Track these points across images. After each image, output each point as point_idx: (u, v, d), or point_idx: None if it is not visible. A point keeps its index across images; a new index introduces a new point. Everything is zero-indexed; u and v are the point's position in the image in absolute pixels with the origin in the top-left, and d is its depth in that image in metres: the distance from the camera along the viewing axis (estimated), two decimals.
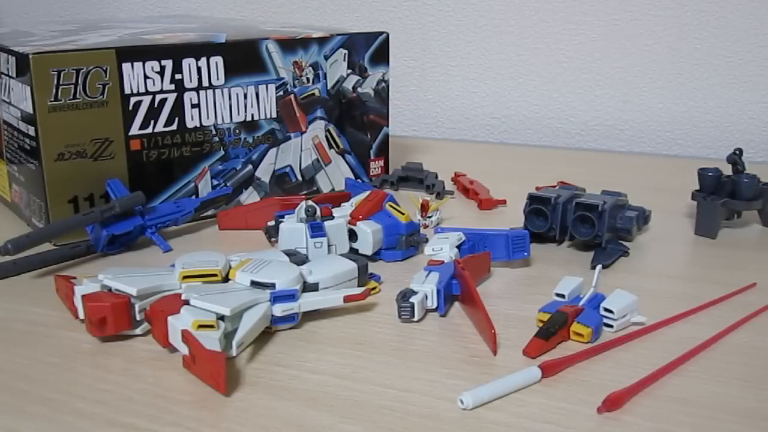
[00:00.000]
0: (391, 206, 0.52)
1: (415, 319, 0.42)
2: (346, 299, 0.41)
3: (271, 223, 0.53)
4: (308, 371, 0.37)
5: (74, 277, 0.43)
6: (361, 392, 0.35)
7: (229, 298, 0.38)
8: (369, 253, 0.50)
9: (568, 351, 0.38)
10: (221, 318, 0.38)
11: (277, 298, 0.39)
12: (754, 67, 0.85)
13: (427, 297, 0.43)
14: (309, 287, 0.42)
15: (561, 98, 0.94)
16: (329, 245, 0.49)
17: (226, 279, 0.42)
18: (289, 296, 0.40)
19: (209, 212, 0.59)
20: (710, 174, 0.57)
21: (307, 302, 0.41)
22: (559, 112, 0.94)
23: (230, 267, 0.43)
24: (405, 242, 0.51)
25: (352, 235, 0.50)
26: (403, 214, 0.51)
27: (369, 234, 0.49)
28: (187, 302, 0.38)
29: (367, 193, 0.54)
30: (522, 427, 0.32)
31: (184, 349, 0.36)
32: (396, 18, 0.99)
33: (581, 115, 0.93)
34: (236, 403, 0.34)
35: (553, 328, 0.39)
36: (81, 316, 0.40)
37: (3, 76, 0.55)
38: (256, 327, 0.38)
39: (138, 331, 0.40)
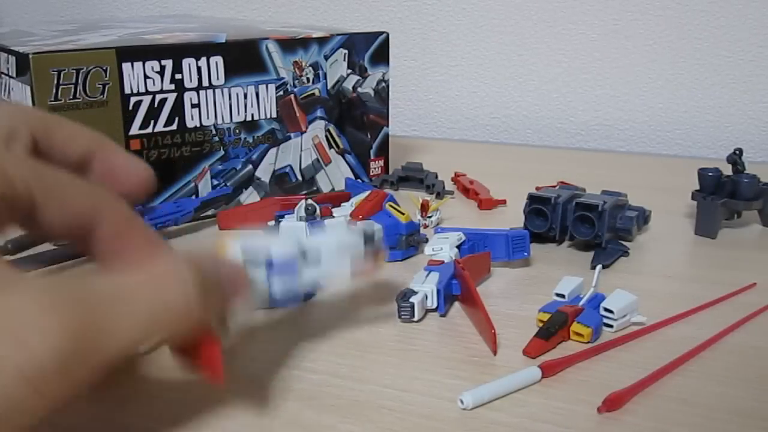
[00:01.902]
0: (391, 206, 0.52)
1: (415, 319, 0.42)
2: (356, 275, 0.37)
3: (272, 223, 0.53)
4: (308, 371, 0.37)
5: None
6: (361, 392, 0.35)
7: None
8: None
9: (568, 351, 0.38)
10: None
11: (274, 271, 0.34)
12: (754, 67, 0.85)
13: (427, 297, 0.43)
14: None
15: (561, 98, 0.94)
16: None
17: None
18: (289, 268, 0.34)
19: (209, 212, 0.59)
20: (710, 174, 0.56)
21: (311, 276, 0.36)
22: (559, 112, 0.94)
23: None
24: (405, 242, 0.51)
25: None
26: (403, 214, 0.51)
27: None
28: None
29: (367, 193, 0.54)
30: (522, 427, 0.32)
31: None
32: (396, 18, 0.99)
33: (581, 115, 0.93)
34: (236, 403, 0.34)
35: (553, 328, 0.39)
36: None
37: (3, 76, 0.55)
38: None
39: None
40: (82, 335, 0.23)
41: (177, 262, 0.28)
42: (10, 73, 0.54)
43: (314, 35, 0.62)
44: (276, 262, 0.34)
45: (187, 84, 0.56)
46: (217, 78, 0.57)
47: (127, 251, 0.31)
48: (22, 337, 0.22)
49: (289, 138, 0.62)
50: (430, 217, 0.57)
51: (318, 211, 0.49)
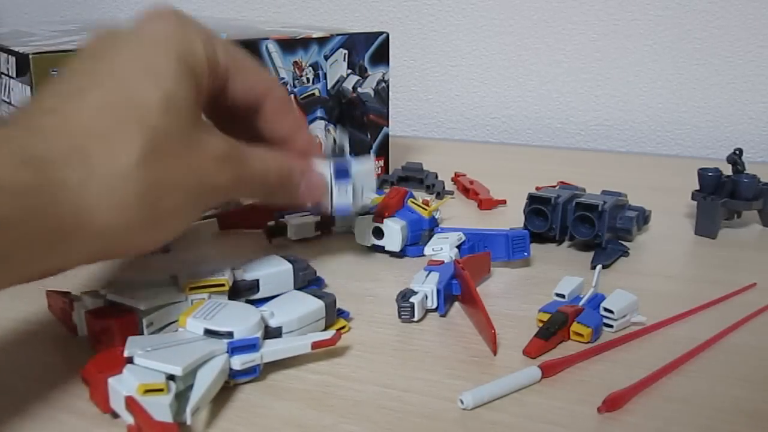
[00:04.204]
0: (412, 202, 0.52)
1: (415, 319, 0.42)
2: (314, 346, 0.37)
3: (271, 223, 0.53)
4: (308, 371, 0.37)
5: (68, 292, 0.40)
6: (361, 392, 0.35)
7: (180, 353, 0.33)
8: (397, 249, 0.50)
9: (568, 351, 0.38)
10: (171, 378, 0.32)
11: (235, 349, 0.35)
12: (754, 67, 0.85)
13: (427, 297, 0.43)
14: (271, 332, 0.38)
15: (561, 98, 0.94)
16: (354, 191, 0.46)
17: (231, 291, 0.40)
18: (250, 346, 0.35)
19: (209, 212, 0.59)
20: (710, 174, 0.56)
21: (270, 352, 0.36)
22: (559, 112, 0.94)
23: (234, 277, 0.40)
24: (428, 237, 0.51)
25: (379, 233, 0.50)
26: (425, 209, 0.52)
27: (397, 231, 0.49)
28: (130, 360, 0.33)
29: (387, 190, 0.54)
30: (522, 427, 0.32)
31: (128, 418, 0.31)
32: (396, 18, 0.99)
33: (581, 115, 0.93)
34: (236, 403, 0.34)
35: (553, 328, 0.39)
36: (81, 332, 0.39)
37: (3, 76, 0.55)
38: (214, 386, 0.33)
39: None
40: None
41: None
42: (10, 74, 0.54)
43: (314, 35, 0.62)
44: (236, 341, 0.35)
45: None
46: None
47: (282, 127, 0.42)
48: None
49: None
50: None
51: (346, 150, 0.49)
